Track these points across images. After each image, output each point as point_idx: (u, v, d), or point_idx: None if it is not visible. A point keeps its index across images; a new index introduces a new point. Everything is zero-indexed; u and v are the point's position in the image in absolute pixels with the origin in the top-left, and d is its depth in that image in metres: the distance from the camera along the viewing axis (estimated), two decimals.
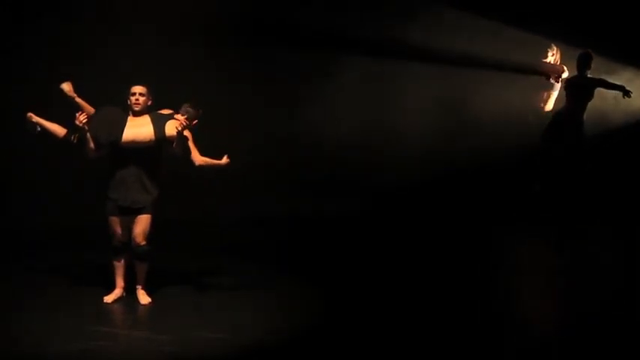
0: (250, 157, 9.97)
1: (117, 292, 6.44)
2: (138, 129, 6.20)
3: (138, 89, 6.30)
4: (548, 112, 9.09)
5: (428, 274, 7.37)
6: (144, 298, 6.40)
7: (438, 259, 7.91)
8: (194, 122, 6.42)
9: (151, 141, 6.21)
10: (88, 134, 6.14)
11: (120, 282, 6.45)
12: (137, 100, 6.26)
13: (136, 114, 6.27)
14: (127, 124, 6.21)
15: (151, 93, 6.36)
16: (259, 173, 10.00)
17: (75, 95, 6.29)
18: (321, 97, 10.21)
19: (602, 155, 9.14)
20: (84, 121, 6.07)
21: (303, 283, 7.02)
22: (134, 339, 5.62)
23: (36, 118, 6.35)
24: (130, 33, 9.35)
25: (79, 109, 6.21)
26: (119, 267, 6.44)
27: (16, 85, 9.20)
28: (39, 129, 6.37)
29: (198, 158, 6.41)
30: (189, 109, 6.43)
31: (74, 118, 6.07)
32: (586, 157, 8.63)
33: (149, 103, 6.34)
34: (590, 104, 8.43)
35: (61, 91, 6.27)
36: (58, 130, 6.38)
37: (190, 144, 6.39)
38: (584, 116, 8.48)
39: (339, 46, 10.01)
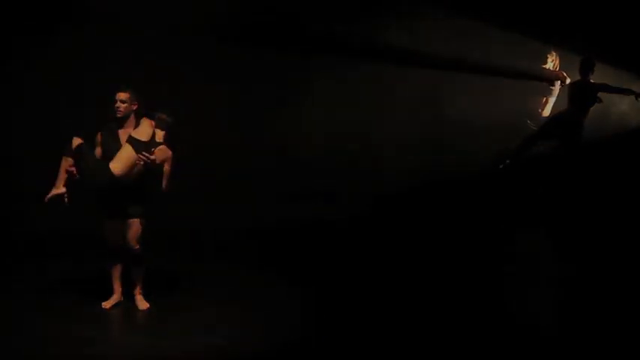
0: (248, 162, 9.99)
1: (115, 298, 6.43)
2: (129, 168, 6.07)
3: (120, 96, 6.21)
4: (545, 117, 9.14)
5: (424, 277, 7.35)
6: (142, 303, 6.39)
7: (434, 261, 7.90)
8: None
9: (139, 171, 6.15)
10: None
11: (117, 288, 6.45)
12: (118, 107, 6.20)
13: (120, 121, 6.22)
14: (116, 159, 6.05)
15: (135, 98, 6.24)
16: (254, 179, 9.97)
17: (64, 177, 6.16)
18: (311, 100, 10.18)
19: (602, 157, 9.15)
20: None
21: (302, 288, 6.99)
22: (133, 344, 5.61)
23: (57, 191, 6.21)
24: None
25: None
26: (116, 272, 6.43)
27: (15, 87, 9.19)
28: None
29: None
30: (164, 118, 6.29)
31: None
32: (582, 160, 8.66)
33: (133, 107, 6.25)
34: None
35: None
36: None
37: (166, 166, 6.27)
38: (585, 120, 8.51)
39: (326, 49, 9.94)
